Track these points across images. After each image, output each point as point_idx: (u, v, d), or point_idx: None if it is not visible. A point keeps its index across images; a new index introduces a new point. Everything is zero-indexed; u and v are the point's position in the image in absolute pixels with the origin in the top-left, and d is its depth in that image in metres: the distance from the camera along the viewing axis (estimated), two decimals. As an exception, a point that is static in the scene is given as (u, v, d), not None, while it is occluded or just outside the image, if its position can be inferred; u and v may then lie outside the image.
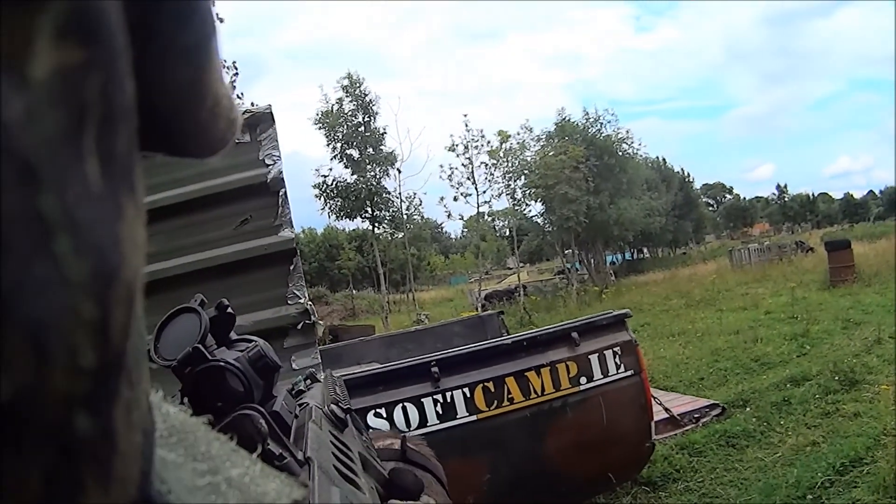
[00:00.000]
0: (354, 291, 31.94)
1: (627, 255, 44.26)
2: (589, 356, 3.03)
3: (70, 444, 0.17)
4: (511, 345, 2.99)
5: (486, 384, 2.91)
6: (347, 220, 20.34)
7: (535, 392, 2.94)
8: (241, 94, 21.28)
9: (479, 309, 20.05)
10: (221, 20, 15.29)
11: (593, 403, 2.98)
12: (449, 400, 2.89)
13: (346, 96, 18.79)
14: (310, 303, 2.91)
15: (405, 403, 2.87)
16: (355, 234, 19.96)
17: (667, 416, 3.40)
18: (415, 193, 21.00)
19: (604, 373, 3.03)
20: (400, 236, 21.68)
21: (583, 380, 3.00)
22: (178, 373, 0.61)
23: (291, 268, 2.83)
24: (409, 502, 0.76)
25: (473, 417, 2.89)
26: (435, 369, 2.89)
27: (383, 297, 21.02)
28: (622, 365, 3.07)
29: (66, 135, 0.17)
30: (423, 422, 2.87)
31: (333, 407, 0.77)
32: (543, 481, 2.97)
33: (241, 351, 0.67)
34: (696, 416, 3.41)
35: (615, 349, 3.07)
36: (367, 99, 18.90)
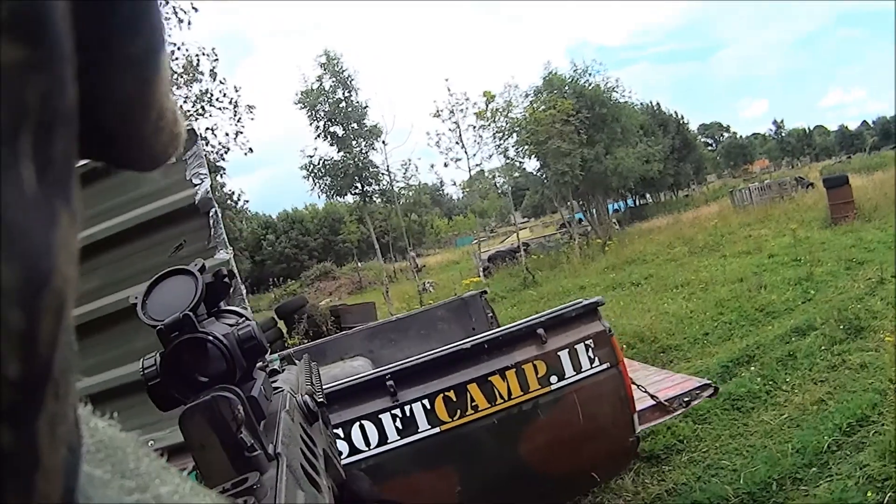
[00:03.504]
0: (360, 263, 31.73)
1: (630, 202, 43.80)
2: (558, 352, 2.78)
3: None
4: (471, 349, 2.74)
5: (446, 393, 2.68)
6: (338, 197, 20.03)
7: (502, 397, 2.71)
8: (224, 79, 20.89)
9: (482, 272, 19.83)
10: (195, 10, 14.80)
11: (567, 402, 2.75)
12: (408, 413, 2.67)
13: (325, 73, 18.27)
14: (255, 323, 2.72)
15: (362, 421, 2.66)
16: (356, 205, 19.67)
17: (653, 402, 3.16)
18: (409, 160, 20.55)
19: (576, 369, 2.78)
20: (398, 206, 21.39)
21: (553, 378, 2.75)
22: (162, 336, 0.59)
23: (231, 290, 2.63)
24: None
25: (436, 430, 2.67)
26: (390, 382, 2.66)
27: (382, 271, 20.82)
28: (596, 358, 2.81)
29: (1, 136, 0.16)
30: (382, 439, 2.66)
31: (307, 398, 0.76)
32: (519, 486, 2.77)
33: (231, 325, 0.66)
34: (685, 399, 3.18)
35: (587, 342, 2.82)
36: (346, 74, 18.39)
